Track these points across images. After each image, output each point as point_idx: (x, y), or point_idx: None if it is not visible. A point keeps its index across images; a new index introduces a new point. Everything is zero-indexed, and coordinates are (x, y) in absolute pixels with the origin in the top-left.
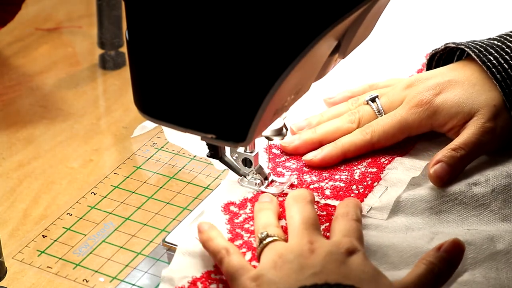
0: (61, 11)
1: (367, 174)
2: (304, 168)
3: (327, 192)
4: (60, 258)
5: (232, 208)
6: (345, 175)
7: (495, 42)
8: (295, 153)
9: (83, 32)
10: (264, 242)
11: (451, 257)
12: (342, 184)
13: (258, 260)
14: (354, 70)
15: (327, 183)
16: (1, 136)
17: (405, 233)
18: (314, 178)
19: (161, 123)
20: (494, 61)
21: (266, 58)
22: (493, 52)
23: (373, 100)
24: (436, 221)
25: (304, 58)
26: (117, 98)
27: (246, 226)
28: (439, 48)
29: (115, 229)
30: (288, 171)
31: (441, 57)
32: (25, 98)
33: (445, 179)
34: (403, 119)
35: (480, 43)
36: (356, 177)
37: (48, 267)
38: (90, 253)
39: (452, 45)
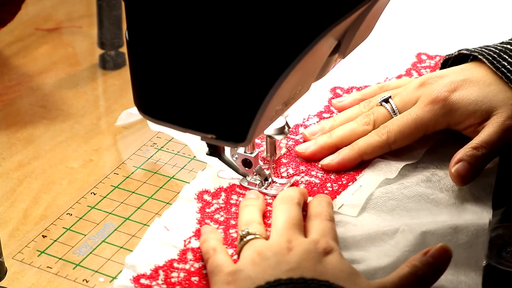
0: (61, 11)
1: (343, 174)
2: (282, 159)
3: (301, 187)
4: (60, 258)
5: (205, 196)
6: (321, 173)
7: (508, 46)
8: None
9: (83, 32)
10: (245, 239)
11: (437, 262)
12: (317, 181)
13: (238, 256)
14: (346, 69)
15: (302, 177)
16: (1, 136)
17: (371, 227)
18: (291, 171)
19: (161, 123)
20: (508, 66)
21: (266, 58)
22: (507, 57)
23: (386, 100)
24: (407, 218)
25: (304, 58)
26: (117, 98)
27: (216, 216)
28: (452, 54)
29: (115, 229)
30: (265, 164)
31: (455, 62)
32: (25, 98)
33: (466, 178)
34: (419, 117)
35: (493, 49)
36: (332, 177)
37: (48, 267)
38: (90, 253)
39: (465, 51)
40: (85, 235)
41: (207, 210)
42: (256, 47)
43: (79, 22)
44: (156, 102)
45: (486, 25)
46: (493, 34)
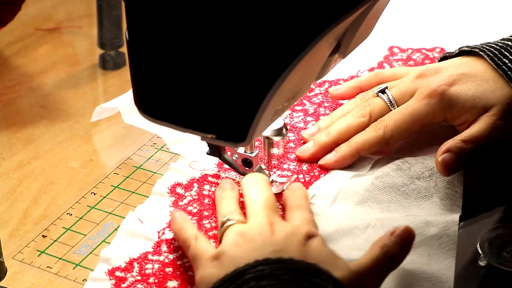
0: (61, 11)
1: (315, 165)
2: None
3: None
4: (60, 258)
5: (178, 189)
6: (294, 165)
7: (509, 43)
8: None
9: (83, 32)
10: (226, 224)
11: (403, 241)
12: (289, 174)
13: (220, 243)
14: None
15: (274, 172)
16: (1, 136)
17: (343, 220)
18: (263, 166)
19: (161, 123)
20: (509, 64)
21: (266, 58)
22: (508, 54)
23: (382, 91)
24: (377, 210)
25: (304, 58)
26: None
27: (189, 208)
28: (452, 52)
29: (115, 229)
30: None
31: (453, 57)
32: (25, 98)
33: (452, 168)
34: (415, 111)
35: (494, 46)
36: (304, 168)
37: (48, 267)
38: (90, 253)
39: (466, 48)
40: (85, 235)
41: (180, 203)
42: (256, 47)
43: (79, 22)
44: (156, 102)
45: (458, 17)
46: (470, 27)
